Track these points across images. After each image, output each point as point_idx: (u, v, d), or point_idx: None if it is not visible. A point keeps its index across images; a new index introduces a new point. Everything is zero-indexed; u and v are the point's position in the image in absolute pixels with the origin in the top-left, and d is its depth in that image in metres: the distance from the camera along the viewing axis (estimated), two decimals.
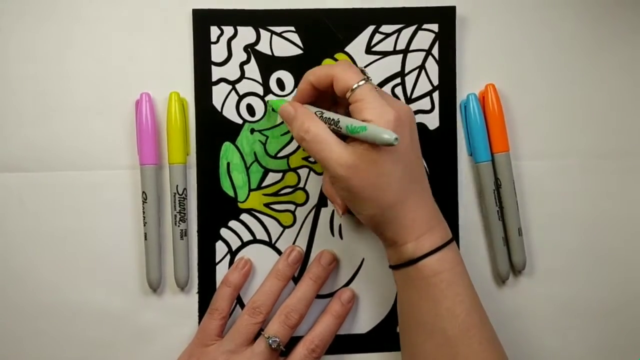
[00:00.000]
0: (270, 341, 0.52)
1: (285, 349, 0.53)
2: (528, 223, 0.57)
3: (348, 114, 0.49)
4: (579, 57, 0.57)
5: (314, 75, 0.51)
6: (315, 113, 0.50)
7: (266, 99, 0.56)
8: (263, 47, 0.56)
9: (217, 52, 0.55)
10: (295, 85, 0.56)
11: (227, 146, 0.56)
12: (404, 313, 0.51)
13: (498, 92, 0.56)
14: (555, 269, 0.58)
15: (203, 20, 0.55)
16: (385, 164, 0.47)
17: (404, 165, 0.48)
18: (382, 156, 0.47)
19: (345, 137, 0.48)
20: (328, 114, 0.49)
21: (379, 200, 0.48)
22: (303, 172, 0.56)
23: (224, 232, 0.56)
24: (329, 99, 0.52)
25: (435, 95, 0.57)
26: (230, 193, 0.56)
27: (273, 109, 0.55)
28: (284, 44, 0.56)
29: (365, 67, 0.56)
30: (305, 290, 0.54)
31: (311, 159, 0.56)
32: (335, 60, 0.56)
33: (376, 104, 0.47)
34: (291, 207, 0.56)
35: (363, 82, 0.48)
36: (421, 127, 0.56)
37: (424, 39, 0.56)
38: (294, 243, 0.56)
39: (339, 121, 0.48)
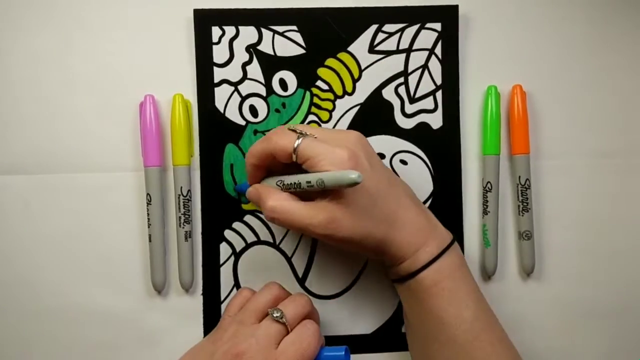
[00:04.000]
0: (274, 314, 0.50)
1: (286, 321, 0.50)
2: (537, 224, 0.57)
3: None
4: (584, 56, 0.57)
5: (254, 157, 0.50)
6: (276, 184, 0.49)
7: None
8: (265, 47, 0.55)
9: (219, 53, 0.55)
10: (298, 86, 0.56)
11: (230, 147, 0.56)
12: (412, 325, 0.51)
13: (525, 94, 0.56)
14: (564, 269, 0.57)
15: (204, 21, 0.55)
16: (360, 201, 0.47)
17: (376, 190, 0.48)
18: (352, 196, 0.46)
19: (311, 194, 0.47)
20: (288, 180, 0.48)
21: (370, 237, 0.47)
22: None
23: (227, 233, 0.56)
24: (282, 167, 0.50)
25: (439, 94, 0.56)
26: (234, 194, 0.56)
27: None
28: (287, 44, 0.56)
29: (368, 67, 0.56)
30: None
31: None
32: (339, 60, 0.56)
33: (323, 153, 0.46)
34: None
35: (299, 140, 0.47)
36: (425, 126, 0.56)
37: (427, 38, 0.56)
38: (297, 243, 0.56)
39: (299, 183, 0.47)
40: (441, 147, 0.57)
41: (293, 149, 0.47)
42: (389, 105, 0.56)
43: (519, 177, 0.56)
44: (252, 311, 0.51)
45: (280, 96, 0.56)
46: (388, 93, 0.56)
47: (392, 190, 0.49)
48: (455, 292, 0.49)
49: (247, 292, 0.54)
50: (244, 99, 0.56)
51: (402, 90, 0.56)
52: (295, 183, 0.47)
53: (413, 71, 0.56)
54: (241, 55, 0.55)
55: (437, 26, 0.56)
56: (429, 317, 0.49)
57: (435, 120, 0.56)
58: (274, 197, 0.48)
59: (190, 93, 0.55)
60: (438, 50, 0.56)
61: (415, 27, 0.56)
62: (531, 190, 0.56)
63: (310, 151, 0.47)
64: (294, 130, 0.48)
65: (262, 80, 0.56)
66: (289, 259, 0.56)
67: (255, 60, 0.55)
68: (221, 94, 0.55)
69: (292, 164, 0.48)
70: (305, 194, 0.48)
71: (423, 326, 0.50)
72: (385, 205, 0.48)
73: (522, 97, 0.56)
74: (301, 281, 0.56)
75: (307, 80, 0.56)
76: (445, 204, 0.56)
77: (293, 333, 0.49)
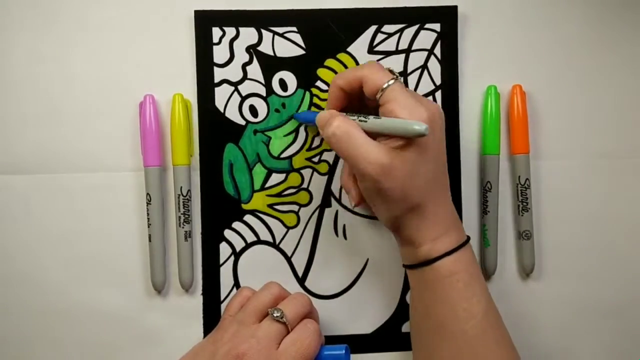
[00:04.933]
0: (274, 314, 0.50)
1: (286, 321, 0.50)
2: (537, 223, 0.57)
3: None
4: (583, 56, 0.57)
5: (343, 78, 0.50)
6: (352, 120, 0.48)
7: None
8: (265, 47, 0.56)
9: (219, 53, 0.55)
10: (298, 86, 0.56)
11: (230, 147, 0.56)
12: (419, 314, 0.51)
13: (525, 94, 0.56)
14: (564, 269, 0.58)
15: (205, 22, 0.55)
16: (417, 164, 0.47)
17: (434, 165, 0.48)
18: (414, 155, 0.46)
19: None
20: (361, 118, 0.48)
21: (406, 202, 0.47)
22: (306, 173, 0.56)
23: (227, 233, 0.56)
24: (359, 105, 0.51)
25: (438, 94, 0.57)
26: (234, 194, 0.56)
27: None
28: (286, 45, 0.56)
29: None
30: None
31: (314, 159, 0.56)
32: (339, 60, 0.56)
33: (407, 102, 0.46)
34: (295, 207, 0.56)
35: (392, 81, 0.47)
36: None
37: (426, 38, 0.56)
38: (297, 243, 0.56)
39: (369, 122, 0.47)
40: None
41: (383, 87, 0.47)
42: None
43: (519, 176, 0.56)
44: (252, 311, 0.51)
45: (280, 96, 0.56)
46: None
47: (443, 173, 0.50)
48: (469, 287, 0.48)
49: (247, 292, 0.54)
50: (244, 99, 0.56)
51: None
52: (365, 117, 0.47)
53: (412, 71, 0.56)
54: (241, 56, 0.56)
55: (436, 27, 0.56)
56: (440, 308, 0.49)
57: None
58: (344, 119, 0.47)
59: (190, 93, 0.55)
60: (437, 50, 0.56)
61: (415, 27, 0.56)
62: (531, 190, 0.56)
63: (396, 95, 0.47)
64: (391, 71, 0.49)
65: (262, 81, 0.56)
66: (288, 259, 0.56)
67: (255, 60, 0.56)
68: (221, 94, 0.56)
69: (368, 107, 0.49)
70: (371, 136, 0.47)
71: (430, 317, 0.50)
72: (434, 180, 0.48)
73: (522, 96, 0.56)
74: (301, 281, 0.56)
75: (306, 80, 0.56)
76: None
77: (294, 332, 0.49)
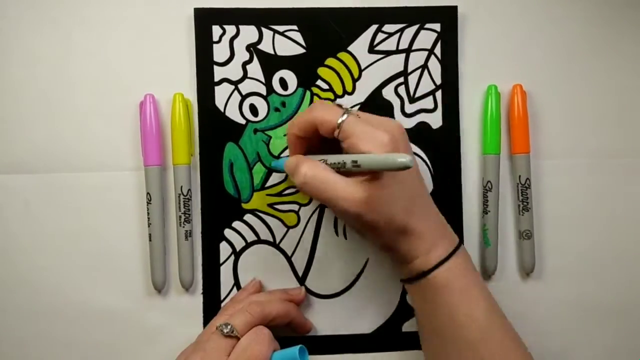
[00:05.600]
0: (221, 327, 0.50)
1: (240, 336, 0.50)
2: (537, 223, 0.57)
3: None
4: (584, 56, 0.57)
5: (296, 126, 0.50)
6: (319, 161, 0.48)
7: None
8: (265, 46, 0.56)
9: (220, 52, 0.55)
10: (298, 85, 0.56)
11: (230, 146, 0.56)
12: (423, 324, 0.51)
13: (525, 93, 0.56)
14: (564, 269, 0.58)
15: (205, 20, 0.55)
16: (393, 188, 0.46)
17: (409, 182, 0.48)
18: (386, 181, 0.46)
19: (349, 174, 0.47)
20: (332, 159, 0.47)
21: (391, 228, 0.47)
22: None
23: (228, 232, 0.56)
24: (322, 143, 0.51)
25: (438, 94, 0.57)
26: (234, 194, 0.56)
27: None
28: (287, 43, 0.56)
29: (368, 66, 0.56)
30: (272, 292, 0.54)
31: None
32: (339, 59, 0.56)
33: (366, 132, 0.46)
34: (295, 207, 0.56)
35: (345, 115, 0.47)
36: (424, 126, 0.56)
37: (427, 38, 0.56)
38: (298, 243, 0.56)
39: (344, 162, 0.46)
40: (441, 147, 0.57)
41: (338, 123, 0.47)
42: (389, 105, 0.56)
43: (519, 176, 0.56)
44: (208, 331, 0.52)
45: (280, 95, 0.56)
46: (388, 93, 0.56)
47: (419, 183, 0.50)
48: (466, 292, 0.49)
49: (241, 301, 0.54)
50: (244, 97, 0.56)
51: (401, 90, 0.56)
52: (339, 162, 0.46)
53: (413, 71, 0.56)
54: (241, 54, 0.55)
55: (437, 26, 0.56)
56: (440, 317, 0.49)
57: (435, 120, 0.57)
58: (310, 164, 0.47)
59: (191, 92, 0.55)
60: (437, 50, 0.56)
61: (415, 27, 0.56)
62: (531, 190, 0.56)
63: (353, 129, 0.46)
64: (340, 106, 0.49)
65: (263, 79, 0.56)
66: (289, 258, 0.56)
67: (255, 59, 0.56)
68: (221, 93, 0.55)
69: (329, 141, 0.48)
70: (343, 174, 0.47)
71: (434, 326, 0.50)
72: (412, 195, 0.48)
73: (523, 96, 0.56)
74: (301, 280, 0.56)
75: (307, 79, 0.56)
76: (445, 203, 0.56)
77: (243, 339, 0.50)
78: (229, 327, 0.50)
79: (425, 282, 0.49)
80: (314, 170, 0.47)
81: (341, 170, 0.47)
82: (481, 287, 0.50)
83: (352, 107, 0.56)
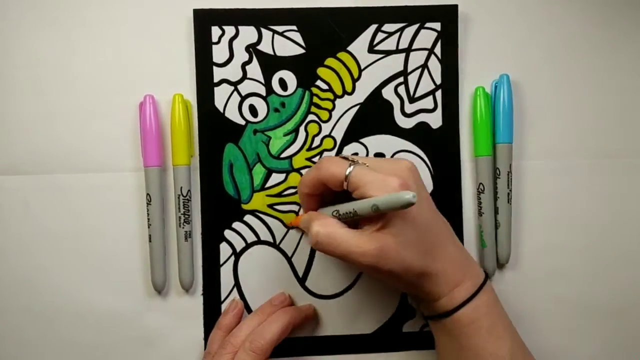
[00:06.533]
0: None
1: None
2: (534, 222, 0.57)
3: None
4: (585, 55, 0.57)
5: (306, 186, 0.50)
6: (332, 214, 0.48)
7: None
8: (265, 46, 0.55)
9: (219, 53, 0.55)
10: (298, 85, 0.56)
11: (230, 147, 0.56)
12: None
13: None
14: (564, 269, 0.57)
15: (204, 20, 0.55)
16: (407, 232, 0.46)
17: (422, 222, 0.47)
18: (400, 225, 0.45)
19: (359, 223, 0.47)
20: (344, 209, 0.47)
21: (410, 273, 0.47)
22: None
23: (227, 233, 0.56)
24: (333, 192, 0.50)
25: (438, 94, 0.56)
26: (234, 194, 0.56)
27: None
28: (286, 44, 0.56)
29: (367, 66, 0.56)
30: (271, 320, 0.53)
31: (314, 159, 0.56)
32: (339, 59, 0.56)
33: (375, 181, 0.45)
34: (295, 207, 0.56)
35: (351, 167, 0.47)
36: (424, 126, 0.56)
37: (427, 37, 0.56)
38: (298, 243, 0.56)
39: (354, 211, 0.46)
40: (441, 147, 0.57)
41: (345, 176, 0.47)
42: (389, 105, 0.56)
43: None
44: (229, 348, 0.52)
45: (280, 96, 0.56)
46: (388, 93, 0.56)
47: (436, 223, 0.49)
48: (492, 330, 0.48)
49: (213, 353, 0.53)
50: (243, 98, 0.56)
51: (401, 89, 0.56)
52: (350, 212, 0.46)
53: (412, 71, 0.56)
54: (241, 55, 0.55)
55: (437, 26, 0.56)
56: (465, 355, 0.48)
57: (435, 120, 0.57)
58: (321, 222, 0.47)
59: (190, 93, 0.55)
60: (437, 49, 0.56)
61: (415, 26, 0.56)
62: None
63: (361, 179, 0.46)
64: (346, 158, 0.48)
65: (262, 80, 0.56)
66: (289, 259, 0.56)
67: (255, 60, 0.55)
68: (221, 94, 0.55)
69: (342, 192, 0.48)
70: (355, 223, 0.47)
71: None
72: (429, 237, 0.47)
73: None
74: (301, 281, 0.56)
75: (306, 80, 0.56)
76: (445, 203, 0.56)
77: None
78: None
79: (450, 320, 0.48)
80: (325, 228, 0.46)
81: (355, 218, 0.47)
82: (507, 323, 0.49)
83: (351, 107, 0.56)
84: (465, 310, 0.48)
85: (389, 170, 0.47)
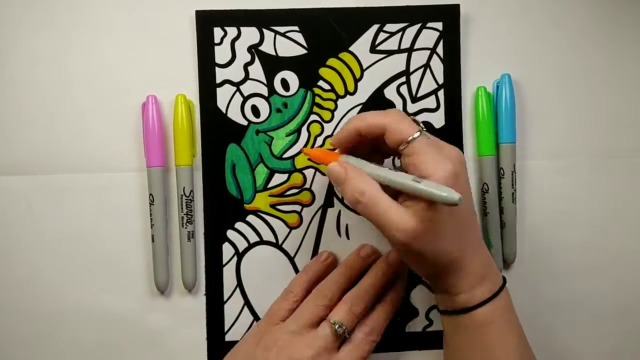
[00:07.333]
0: (336, 327, 0.50)
1: (349, 336, 0.51)
2: (538, 222, 0.57)
3: (391, 161, 0.48)
4: (588, 55, 0.57)
5: (364, 122, 0.48)
6: (373, 176, 0.47)
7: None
8: (267, 47, 0.56)
9: (221, 54, 0.55)
10: (300, 86, 0.56)
11: (232, 147, 0.56)
12: (453, 357, 0.51)
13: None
14: (564, 269, 0.57)
15: (206, 22, 0.55)
16: (445, 223, 0.45)
17: (461, 218, 0.47)
18: (441, 215, 0.45)
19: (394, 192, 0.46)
20: (379, 171, 0.46)
21: (438, 261, 0.47)
22: (309, 173, 0.56)
23: (230, 233, 0.56)
24: (368, 145, 0.50)
25: (441, 93, 0.56)
26: (236, 194, 0.56)
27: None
28: (288, 44, 0.56)
29: (369, 66, 0.56)
30: (371, 282, 0.53)
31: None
32: (341, 60, 0.56)
33: (433, 158, 0.45)
34: (297, 207, 0.56)
35: (418, 133, 0.46)
36: (427, 125, 0.56)
37: (429, 37, 0.56)
38: (300, 244, 0.56)
39: (399, 182, 0.45)
40: None
41: (410, 138, 0.46)
42: (391, 105, 0.56)
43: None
44: (306, 323, 0.51)
45: (282, 96, 0.56)
46: (390, 92, 0.56)
47: (473, 221, 0.49)
48: (504, 335, 0.48)
49: (295, 295, 0.53)
50: (245, 99, 0.56)
51: (404, 89, 0.56)
52: (387, 178, 0.45)
53: (415, 70, 0.56)
54: (243, 56, 0.55)
55: (439, 25, 0.56)
56: (472, 354, 0.49)
57: (438, 120, 0.56)
58: (367, 183, 0.46)
59: (193, 93, 0.55)
60: (439, 49, 0.56)
61: (417, 26, 0.56)
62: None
63: (422, 149, 0.45)
64: (416, 121, 0.48)
65: (264, 81, 0.56)
66: (291, 259, 0.56)
67: (257, 60, 0.56)
68: (223, 94, 0.55)
69: (382, 149, 0.48)
70: (390, 190, 0.46)
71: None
72: (465, 231, 0.48)
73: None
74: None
75: (308, 80, 0.56)
76: None
77: (351, 344, 0.52)
78: (343, 328, 0.50)
79: (466, 317, 0.48)
80: (371, 191, 0.45)
81: (390, 187, 0.46)
82: (519, 331, 0.50)
83: (353, 107, 0.56)
84: (482, 310, 0.48)
85: (447, 154, 0.46)
